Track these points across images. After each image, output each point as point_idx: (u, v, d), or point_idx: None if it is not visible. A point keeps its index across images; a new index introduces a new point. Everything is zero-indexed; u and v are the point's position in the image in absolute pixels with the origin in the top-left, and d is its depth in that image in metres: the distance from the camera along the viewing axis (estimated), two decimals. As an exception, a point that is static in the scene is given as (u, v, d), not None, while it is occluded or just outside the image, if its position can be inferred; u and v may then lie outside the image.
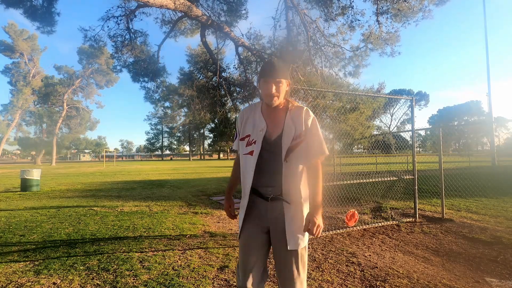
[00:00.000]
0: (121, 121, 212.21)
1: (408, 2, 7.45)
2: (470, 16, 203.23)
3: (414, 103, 5.11)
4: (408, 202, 6.45)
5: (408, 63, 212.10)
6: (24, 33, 45.40)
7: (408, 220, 4.96)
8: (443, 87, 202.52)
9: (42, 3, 5.06)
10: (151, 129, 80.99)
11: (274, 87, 1.43)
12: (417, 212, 5.04)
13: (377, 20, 8.18)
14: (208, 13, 8.19)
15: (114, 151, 77.05)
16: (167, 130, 78.14)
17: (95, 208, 6.36)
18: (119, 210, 6.20)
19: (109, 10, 7.05)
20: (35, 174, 9.69)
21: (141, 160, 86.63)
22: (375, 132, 10.95)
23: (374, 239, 3.97)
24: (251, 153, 1.47)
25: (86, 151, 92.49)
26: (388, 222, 4.77)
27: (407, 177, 5.07)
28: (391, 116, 62.51)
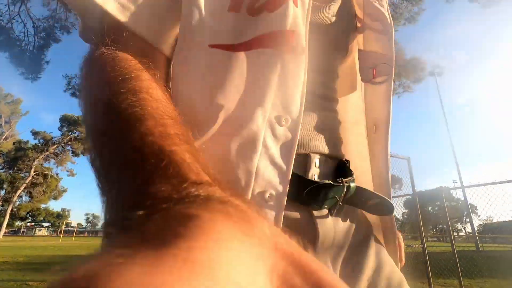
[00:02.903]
0: (92, 192, 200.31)
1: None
2: (431, 108, 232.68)
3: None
4: None
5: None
6: (8, 97, 45.79)
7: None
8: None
9: (32, 49, 5.02)
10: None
11: None
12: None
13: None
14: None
15: (75, 226, 70.30)
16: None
17: (30, 283, 5.07)
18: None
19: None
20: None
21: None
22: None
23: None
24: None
25: (45, 224, 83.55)
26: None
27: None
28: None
